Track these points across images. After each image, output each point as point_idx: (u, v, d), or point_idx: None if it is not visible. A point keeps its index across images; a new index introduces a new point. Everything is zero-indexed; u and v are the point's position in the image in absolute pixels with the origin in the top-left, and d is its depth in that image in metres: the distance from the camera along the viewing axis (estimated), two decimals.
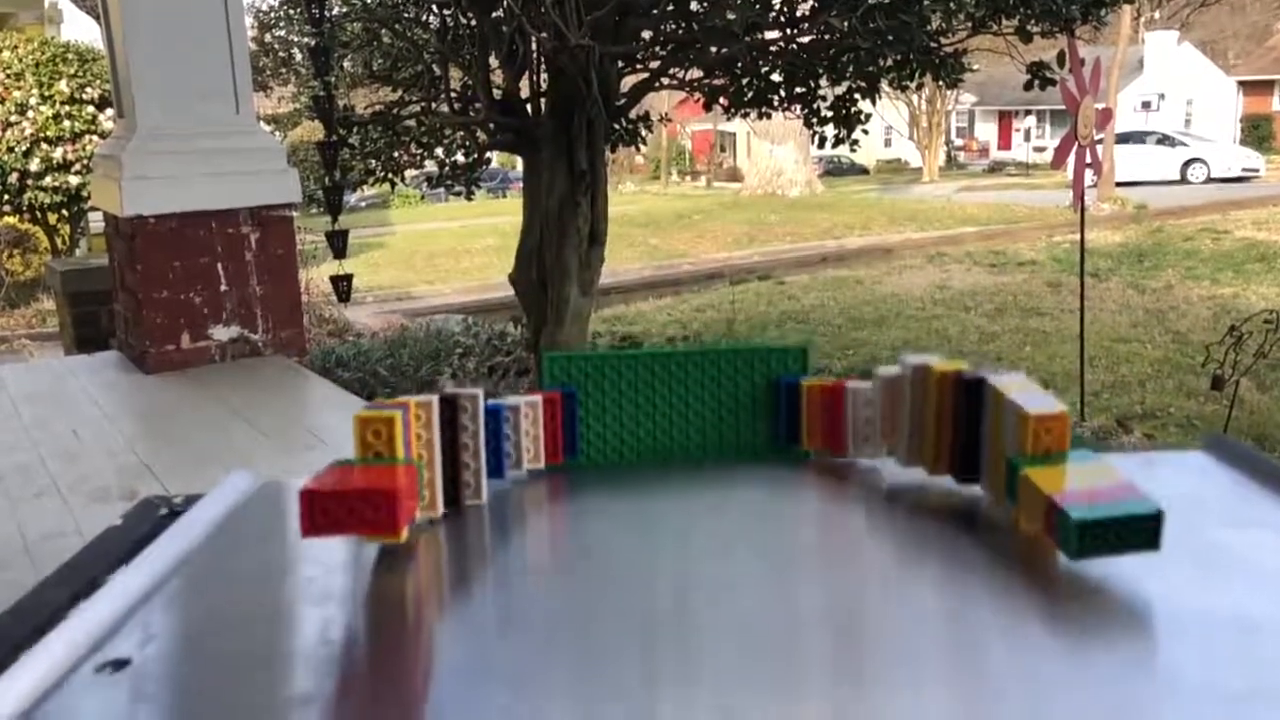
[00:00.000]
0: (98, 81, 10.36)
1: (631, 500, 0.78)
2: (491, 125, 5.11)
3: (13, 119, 10.21)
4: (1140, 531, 0.56)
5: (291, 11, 6.05)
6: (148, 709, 0.52)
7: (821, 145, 5.55)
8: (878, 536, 0.69)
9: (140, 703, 0.52)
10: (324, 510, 0.61)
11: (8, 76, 10.31)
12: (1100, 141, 7.96)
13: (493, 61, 4.92)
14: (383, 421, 0.66)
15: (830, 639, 0.54)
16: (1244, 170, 24.81)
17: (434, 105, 5.35)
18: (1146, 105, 31.71)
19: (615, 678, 0.51)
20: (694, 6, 4.46)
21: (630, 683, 0.50)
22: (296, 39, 6.12)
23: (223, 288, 4.08)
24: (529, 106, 4.97)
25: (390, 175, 5.64)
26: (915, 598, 0.58)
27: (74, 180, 10.35)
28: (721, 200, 23.92)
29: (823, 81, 4.95)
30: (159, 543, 0.68)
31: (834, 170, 30.54)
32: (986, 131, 37.69)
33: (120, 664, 0.53)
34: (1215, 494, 0.71)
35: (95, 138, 10.17)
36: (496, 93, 4.97)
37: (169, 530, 0.70)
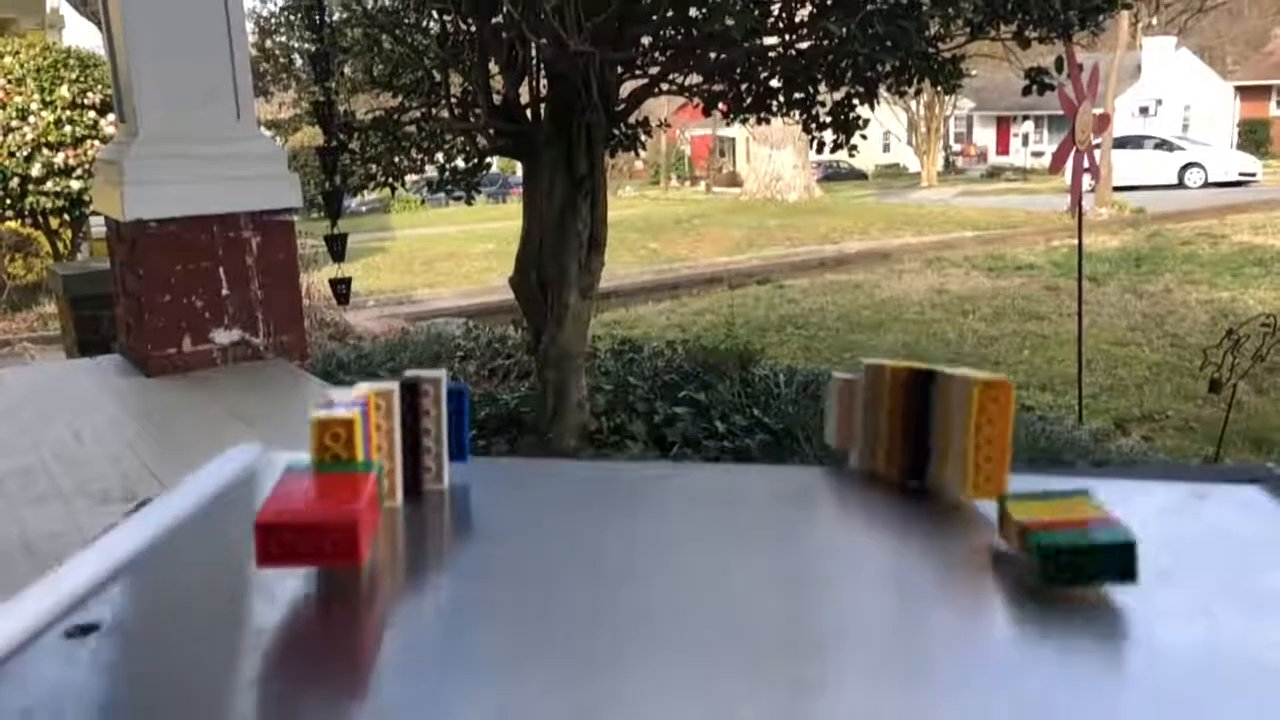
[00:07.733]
0: (99, 87, 10.37)
1: (595, 489, 0.77)
2: (491, 130, 5.12)
3: (14, 124, 10.22)
4: (1112, 561, 0.55)
5: (292, 18, 6.07)
6: (109, 674, 0.53)
7: (820, 150, 5.57)
8: (823, 539, 0.69)
9: (101, 669, 0.53)
10: (280, 543, 0.56)
11: (9, 82, 10.32)
12: (1098, 146, 7.98)
13: (493, 67, 4.93)
14: (342, 424, 0.63)
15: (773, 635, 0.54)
16: (1241, 175, 24.84)
17: (434, 111, 5.36)
18: (1144, 110, 31.74)
19: (567, 665, 0.51)
20: (693, 13, 4.47)
21: (582, 673, 0.50)
22: (297, 45, 6.13)
23: (224, 292, 4.09)
24: (529, 112, 4.98)
25: (390, 180, 5.64)
26: (888, 627, 0.55)
27: (75, 185, 10.35)
28: (720, 205, 23.94)
29: (821, 87, 4.96)
30: (148, 509, 0.69)
31: (832, 175, 30.56)
32: (985, 136, 37.73)
33: (89, 629, 0.54)
34: (1270, 532, 0.65)
35: (97, 143, 10.17)
36: (496, 98, 4.98)
37: (160, 497, 0.71)
